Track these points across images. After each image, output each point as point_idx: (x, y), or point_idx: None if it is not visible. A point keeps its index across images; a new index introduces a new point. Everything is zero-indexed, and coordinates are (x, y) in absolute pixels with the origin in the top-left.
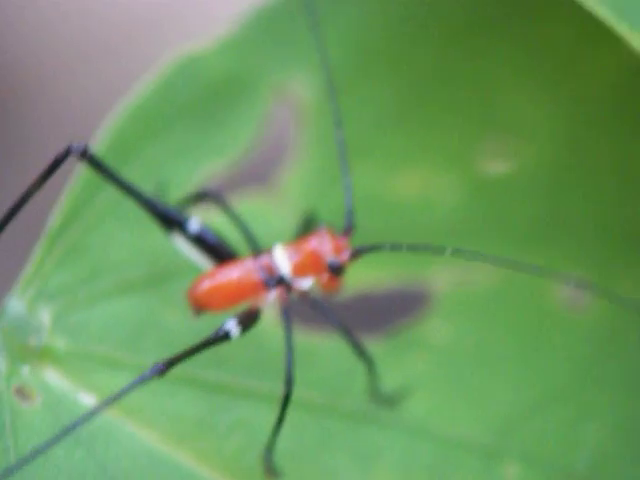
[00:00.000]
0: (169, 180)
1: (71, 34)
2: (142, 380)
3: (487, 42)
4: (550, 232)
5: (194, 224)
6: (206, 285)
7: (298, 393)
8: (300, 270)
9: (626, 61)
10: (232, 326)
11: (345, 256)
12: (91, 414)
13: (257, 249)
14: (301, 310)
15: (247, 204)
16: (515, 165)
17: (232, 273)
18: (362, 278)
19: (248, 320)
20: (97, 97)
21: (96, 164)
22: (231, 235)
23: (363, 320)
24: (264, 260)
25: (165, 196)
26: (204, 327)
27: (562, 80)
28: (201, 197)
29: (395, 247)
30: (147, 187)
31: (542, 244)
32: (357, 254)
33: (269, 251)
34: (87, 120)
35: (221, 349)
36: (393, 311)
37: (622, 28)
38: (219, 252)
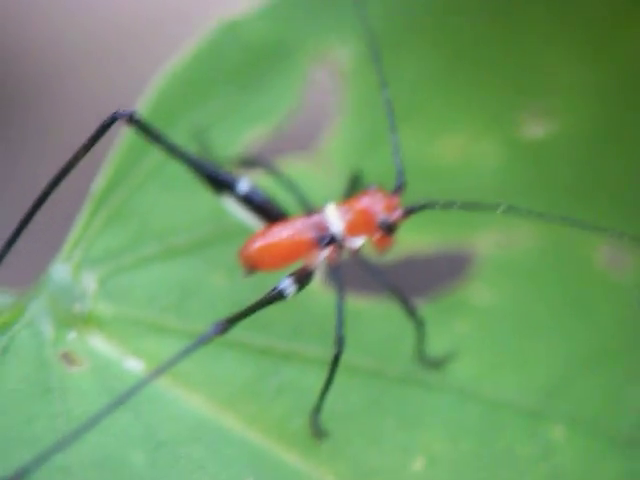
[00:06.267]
0: (213, 144)
1: (76, 33)
2: (204, 340)
3: (526, 8)
4: (588, 194)
5: (244, 185)
6: (258, 244)
7: (345, 356)
8: (352, 229)
9: None
10: (287, 285)
11: (397, 214)
12: (147, 380)
13: (308, 209)
14: (347, 274)
15: (290, 167)
16: (554, 128)
17: (284, 232)
18: (406, 242)
19: (302, 279)
20: (103, 96)
21: (144, 128)
22: (277, 199)
23: (407, 284)
24: (316, 219)
25: (210, 159)
26: (249, 291)
27: (601, 45)
28: (248, 161)
29: (446, 205)
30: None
31: (582, 205)
32: (408, 212)
33: (321, 210)
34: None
35: (266, 312)
36: (437, 274)
37: None
38: (270, 212)
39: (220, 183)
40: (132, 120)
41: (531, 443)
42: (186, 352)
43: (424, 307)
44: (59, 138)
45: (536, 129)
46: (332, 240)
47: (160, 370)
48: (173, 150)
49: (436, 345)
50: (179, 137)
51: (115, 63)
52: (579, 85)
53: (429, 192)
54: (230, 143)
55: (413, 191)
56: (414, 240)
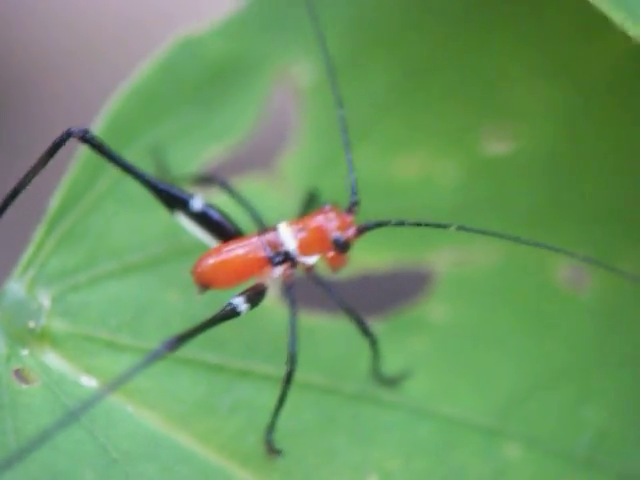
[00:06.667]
0: (170, 162)
1: (60, 33)
2: (154, 357)
3: (487, 28)
4: (549, 213)
5: (197, 202)
6: (211, 262)
7: (299, 373)
8: (306, 247)
9: (625, 49)
10: (239, 303)
11: (350, 232)
12: (99, 396)
13: (262, 226)
14: (302, 291)
15: (248, 186)
16: (514, 147)
17: (237, 250)
18: (363, 259)
19: (254, 297)
20: (87, 93)
21: (97, 146)
22: (233, 217)
23: (364, 301)
24: (269, 237)
25: (167, 177)
26: (204, 308)
27: (561, 64)
28: (203, 179)
29: (400, 223)
30: (148, 169)
31: (541, 224)
32: (362, 230)
33: (274, 228)
34: (78, 117)
35: (220, 330)
36: (394, 292)
37: (618, 17)
38: (223, 230)
39: (173, 200)
40: (85, 138)
41: (486, 461)
42: (136, 369)
43: (380, 324)
44: (44, 139)
45: (497, 147)
46: (285, 258)
47: (111, 387)
48: (125, 167)
49: (391, 362)
50: (136, 155)
51: (101, 64)
52: (541, 103)
53: (389, 210)
54: (188, 161)
55: (372, 209)
56: (372, 258)
